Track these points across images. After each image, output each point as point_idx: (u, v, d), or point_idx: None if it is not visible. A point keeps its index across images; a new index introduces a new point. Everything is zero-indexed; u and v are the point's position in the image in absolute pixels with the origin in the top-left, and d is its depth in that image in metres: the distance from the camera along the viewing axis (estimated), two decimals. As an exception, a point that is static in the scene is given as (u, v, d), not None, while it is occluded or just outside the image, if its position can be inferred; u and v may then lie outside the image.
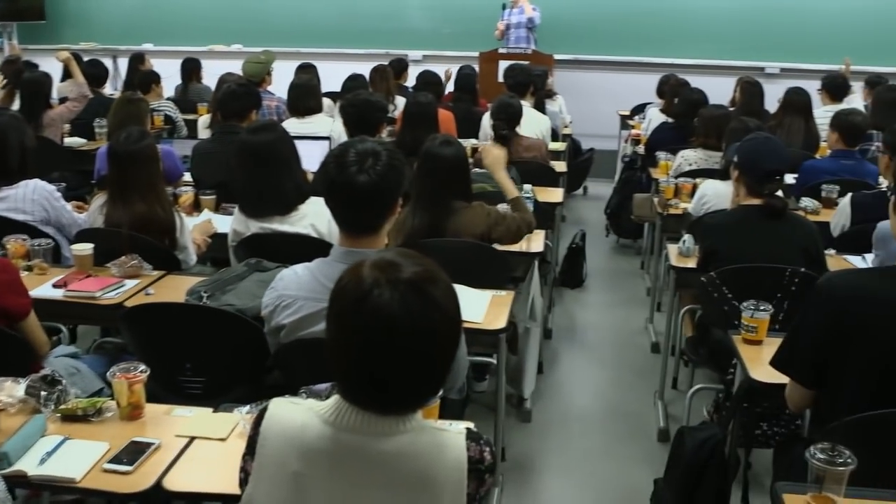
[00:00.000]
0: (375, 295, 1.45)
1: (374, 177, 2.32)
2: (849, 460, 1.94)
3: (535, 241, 4.03)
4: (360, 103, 4.70)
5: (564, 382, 4.56)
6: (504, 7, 9.18)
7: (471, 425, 2.09)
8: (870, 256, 3.74)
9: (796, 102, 6.25)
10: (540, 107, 6.72)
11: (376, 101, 4.81)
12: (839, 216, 4.19)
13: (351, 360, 1.49)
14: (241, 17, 10.32)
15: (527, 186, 4.21)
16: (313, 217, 3.49)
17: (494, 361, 3.38)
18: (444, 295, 1.52)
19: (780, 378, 2.42)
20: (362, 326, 1.46)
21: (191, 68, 8.27)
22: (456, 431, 1.60)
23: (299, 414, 1.57)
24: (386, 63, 7.57)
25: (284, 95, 5.91)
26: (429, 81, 6.91)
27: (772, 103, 6.72)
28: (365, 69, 7.12)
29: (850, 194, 4.20)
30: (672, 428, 3.87)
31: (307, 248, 3.06)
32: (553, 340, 5.02)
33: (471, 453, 1.56)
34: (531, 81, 6.60)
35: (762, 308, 2.89)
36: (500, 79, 7.26)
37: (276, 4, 10.23)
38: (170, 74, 8.12)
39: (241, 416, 2.30)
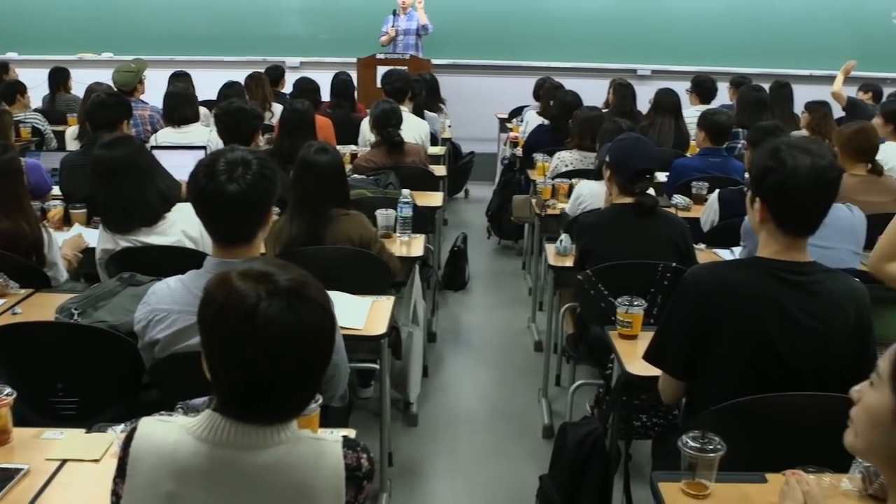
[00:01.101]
0: (264, 308, 1.44)
1: (245, 186, 2.28)
2: (718, 447, 2.00)
3: (415, 246, 4.04)
4: (234, 111, 4.62)
5: (450, 385, 4.58)
6: (395, 13, 9.16)
7: (351, 433, 2.09)
8: (738, 250, 3.89)
9: (666, 103, 6.45)
10: (419, 112, 6.75)
11: (251, 109, 4.74)
12: (708, 212, 4.35)
13: (238, 374, 1.47)
14: (112, 24, 9.98)
15: (405, 191, 4.21)
16: (183, 223, 3.41)
17: (378, 367, 3.37)
18: (322, 297, 1.53)
19: (656, 371, 2.48)
20: (257, 340, 1.44)
21: (59, 78, 7.98)
22: (332, 440, 1.59)
23: (170, 432, 1.53)
24: (262, 70, 7.47)
25: (158, 104, 5.77)
26: (306, 88, 6.85)
27: (644, 104, 6.93)
28: (241, 76, 7.01)
29: (717, 191, 4.36)
30: (556, 424, 3.93)
31: (180, 258, 3.00)
32: (437, 343, 5.04)
33: (348, 461, 1.55)
34: (409, 87, 6.62)
35: (636, 303, 2.97)
36: (379, 84, 7.26)
37: (147, 11, 9.94)
38: (37, 84, 7.84)
39: (115, 436, 2.22)
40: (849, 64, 8.03)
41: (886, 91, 7.98)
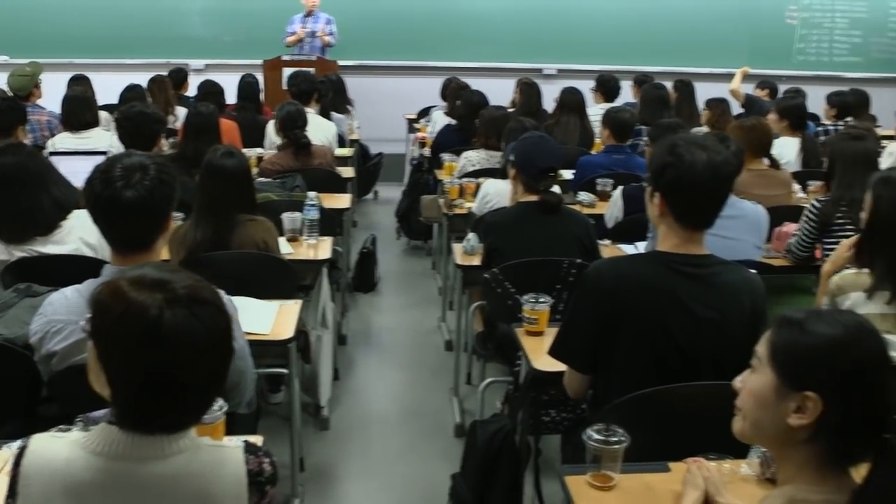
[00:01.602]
0: (168, 318, 1.41)
1: (143, 192, 2.24)
2: (622, 438, 2.03)
3: (323, 249, 4.02)
4: (135, 116, 4.52)
5: (361, 387, 4.56)
6: (308, 14, 9.02)
7: (259, 439, 2.06)
8: (642, 244, 3.96)
9: (571, 101, 6.55)
10: (325, 113, 6.71)
11: (153, 113, 4.65)
12: (612, 208, 4.42)
13: (141, 386, 1.44)
14: (6, 26, 9.62)
15: (311, 193, 4.18)
16: (81, 231, 3.30)
17: (287, 372, 3.34)
18: (217, 299, 1.52)
19: (563, 366, 2.51)
20: (165, 351, 1.41)
21: (-51, 83, 7.69)
22: (233, 446, 1.57)
23: (63, 448, 1.48)
24: (165, 73, 7.33)
25: (57, 109, 5.61)
26: (210, 91, 6.74)
27: (550, 103, 7.01)
28: (143, 80, 6.87)
29: (621, 187, 4.44)
30: (468, 423, 3.94)
31: (78, 267, 2.92)
32: (348, 346, 5.01)
33: (250, 466, 1.53)
34: (315, 88, 6.57)
35: (542, 300, 3.00)
36: (285, 86, 7.18)
37: (44, 13, 9.58)
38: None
39: (11, 453, 2.15)
40: (744, 69, 8.27)
41: (782, 88, 8.22)
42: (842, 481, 1.46)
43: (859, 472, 1.46)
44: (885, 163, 5.84)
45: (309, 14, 8.93)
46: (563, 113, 6.54)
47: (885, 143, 6.54)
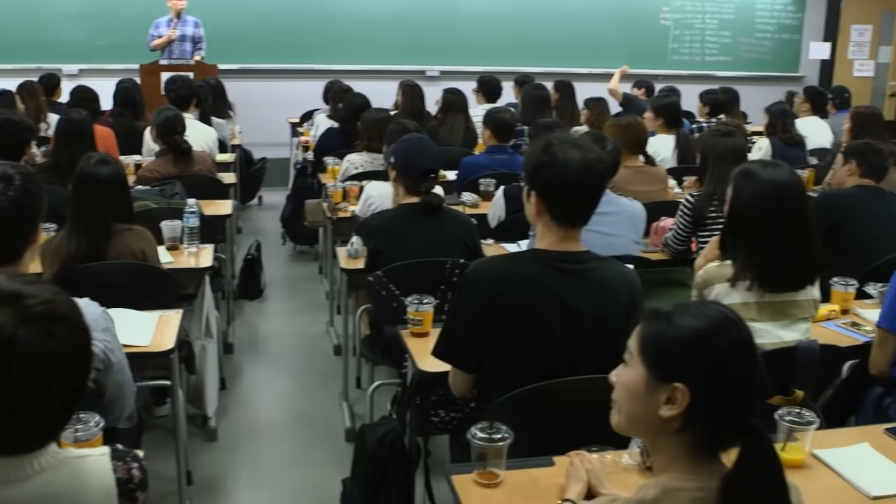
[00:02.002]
0: (22, 337, 1.33)
1: (7, 203, 2.15)
2: (506, 435, 2.06)
3: (204, 256, 3.95)
4: (2, 124, 4.35)
5: (250, 395, 4.49)
6: (175, 17, 8.76)
7: (140, 454, 2.00)
8: (524, 243, 4.01)
9: (456, 103, 6.61)
10: (205, 118, 6.59)
11: (21, 121, 4.48)
12: (495, 208, 4.47)
13: None
14: None
15: (190, 200, 4.09)
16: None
17: (171, 383, 3.26)
18: (74, 312, 1.44)
19: (449, 366, 2.53)
20: (18, 372, 1.33)
21: None
22: (98, 454, 1.52)
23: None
24: (35, 79, 7.06)
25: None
26: (83, 97, 6.52)
27: (433, 105, 7.05)
28: (12, 85, 6.61)
29: (503, 187, 4.49)
30: (359, 427, 3.93)
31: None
32: (235, 354, 4.93)
33: (118, 474, 1.49)
34: (195, 93, 6.45)
35: (425, 301, 3.02)
36: (163, 91, 7.01)
37: None
38: None
39: None
40: (624, 68, 8.48)
41: (658, 87, 8.46)
42: (713, 468, 1.51)
43: (731, 458, 1.52)
44: (754, 157, 6.08)
45: (177, 16, 8.66)
46: (448, 114, 6.59)
47: (754, 138, 6.81)
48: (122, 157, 5.57)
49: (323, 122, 7.04)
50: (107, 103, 6.84)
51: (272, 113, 9.14)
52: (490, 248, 4.05)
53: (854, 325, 3.32)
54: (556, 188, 2.35)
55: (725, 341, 1.49)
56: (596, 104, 6.76)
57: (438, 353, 2.48)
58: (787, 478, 1.50)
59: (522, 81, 7.90)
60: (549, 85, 7.34)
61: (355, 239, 3.93)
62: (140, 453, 1.62)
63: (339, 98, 6.89)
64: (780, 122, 6.46)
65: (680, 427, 1.51)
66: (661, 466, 1.57)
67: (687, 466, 1.52)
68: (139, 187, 4.64)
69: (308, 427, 4.18)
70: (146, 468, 1.56)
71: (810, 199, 4.66)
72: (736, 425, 1.47)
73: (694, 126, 7.05)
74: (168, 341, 3.01)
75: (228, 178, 5.73)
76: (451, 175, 5.50)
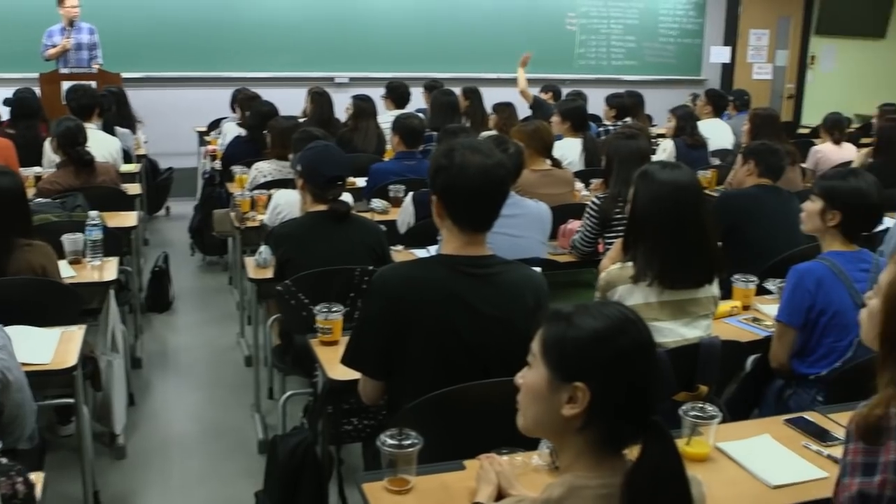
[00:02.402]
0: None
1: None
2: (415, 441, 2.06)
3: (108, 270, 3.86)
4: None
5: (159, 410, 4.40)
6: (69, 25, 8.49)
7: (40, 475, 1.95)
8: (434, 248, 4.02)
9: (366, 109, 6.60)
10: (108, 128, 6.44)
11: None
12: (404, 213, 4.47)
13: None
14: None
15: (93, 213, 3.99)
16: None
17: (74, 401, 3.17)
18: None
19: (358, 374, 2.52)
20: None
21: None
22: (-21, 470, 1.48)
23: None
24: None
25: None
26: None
27: (343, 112, 7.03)
28: None
29: (411, 193, 4.50)
30: (271, 438, 3.89)
31: None
32: (144, 369, 4.83)
33: (2, 490, 1.45)
34: (97, 102, 6.29)
35: (335, 309, 3.00)
36: (64, 101, 6.82)
37: None
38: None
39: None
40: (525, 56, 8.55)
41: (565, 91, 8.58)
42: (616, 464, 1.53)
43: (635, 454, 1.54)
44: (658, 158, 6.21)
45: (70, 24, 8.40)
46: (360, 120, 6.58)
47: (659, 140, 6.96)
48: (21, 169, 5.42)
49: (231, 131, 6.94)
50: (4, 113, 6.63)
51: (178, 122, 8.99)
52: (400, 254, 4.06)
53: (755, 320, 3.41)
54: (453, 193, 2.36)
55: (624, 341, 1.52)
56: (504, 109, 6.83)
57: (347, 360, 2.47)
58: (689, 471, 1.53)
59: (431, 87, 7.94)
60: (457, 90, 7.39)
61: (263, 248, 3.89)
62: (26, 468, 1.57)
63: (247, 106, 6.81)
64: (686, 124, 6.62)
65: (582, 426, 1.53)
66: (566, 465, 1.59)
67: (591, 464, 1.54)
68: (39, 200, 4.52)
69: (220, 440, 4.11)
70: (32, 483, 1.52)
71: (710, 199, 4.80)
72: (637, 422, 1.50)
73: (601, 129, 7.18)
74: (71, 358, 2.93)
75: (133, 188, 5.61)
76: (360, 182, 5.49)
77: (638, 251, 2.81)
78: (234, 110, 7.67)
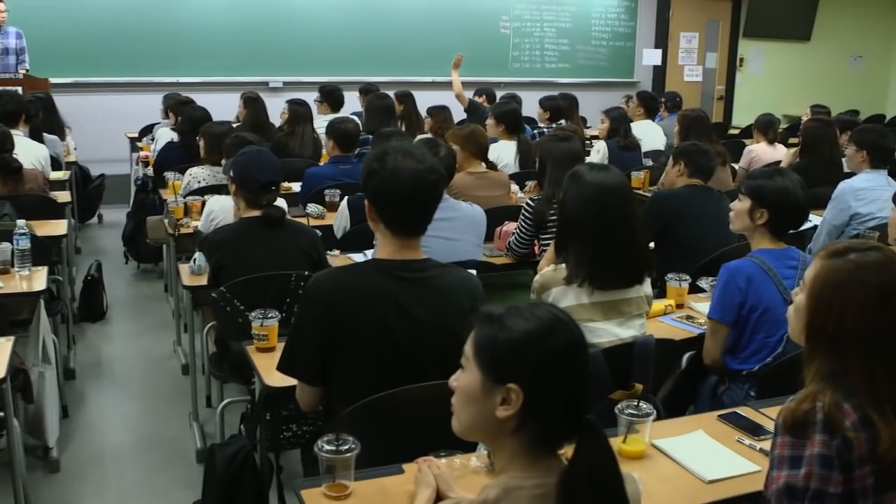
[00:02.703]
0: None
1: None
2: (353, 446, 2.06)
3: (37, 280, 3.78)
4: None
5: (94, 422, 4.32)
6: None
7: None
8: (370, 252, 4.00)
9: (302, 113, 6.58)
10: (36, 135, 6.31)
11: None
12: (340, 218, 4.46)
13: None
14: None
15: (20, 222, 3.90)
16: None
17: (3, 414, 3.10)
18: None
19: (295, 380, 2.50)
20: None
21: None
22: None
23: None
24: None
25: None
26: None
27: (277, 116, 6.99)
28: None
29: (347, 197, 4.49)
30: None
31: None
32: (77, 380, 4.73)
33: None
34: (23, 109, 6.15)
35: (270, 315, 2.97)
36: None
37: None
38: None
39: None
40: (457, 57, 8.59)
41: (499, 94, 8.63)
42: (551, 464, 1.54)
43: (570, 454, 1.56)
44: (592, 160, 6.29)
45: None
46: (297, 124, 6.54)
47: (593, 142, 7.05)
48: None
49: (164, 136, 6.84)
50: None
51: (110, 128, 8.85)
52: (336, 258, 4.04)
53: (689, 318, 3.48)
54: (385, 197, 2.37)
55: (555, 341, 1.52)
56: (439, 112, 6.85)
57: (283, 367, 2.45)
58: (625, 469, 1.55)
59: (367, 90, 7.94)
60: (393, 94, 7.40)
61: (198, 255, 3.85)
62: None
63: (179, 111, 6.73)
64: (620, 126, 6.71)
65: (516, 427, 1.54)
66: (501, 466, 1.60)
67: (525, 465, 1.55)
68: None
69: (157, 451, 4.05)
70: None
71: (643, 200, 4.88)
72: (570, 422, 1.51)
73: (535, 132, 7.24)
74: (-1, 370, 2.86)
75: (63, 196, 5.51)
76: (295, 187, 5.46)
77: (569, 253, 2.84)
78: (166, 115, 7.57)
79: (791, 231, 3.24)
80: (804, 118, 8.09)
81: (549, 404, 1.52)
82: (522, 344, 1.53)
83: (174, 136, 6.56)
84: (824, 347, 1.79)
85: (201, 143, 5.36)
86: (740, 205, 3.19)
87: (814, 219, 4.88)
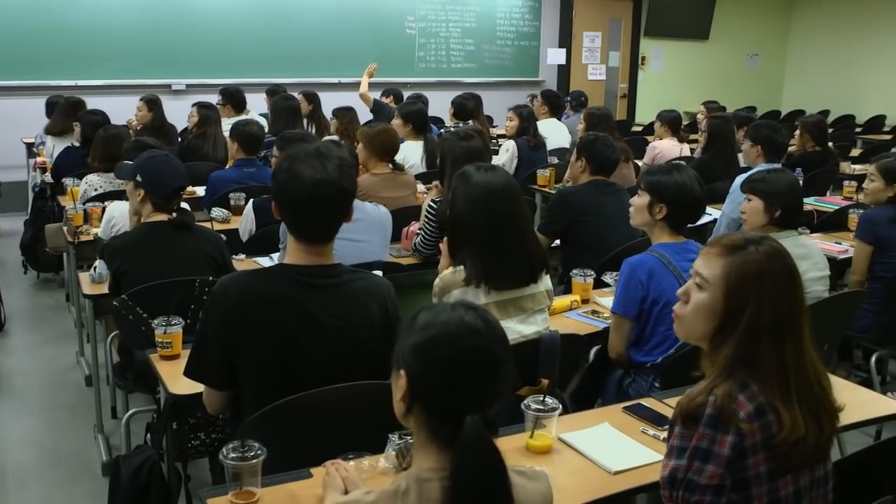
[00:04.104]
0: None
1: None
2: (259, 452, 2.03)
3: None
4: None
5: (-7, 439, 4.19)
6: None
7: None
8: (277, 255, 3.99)
9: (210, 116, 6.49)
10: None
11: None
12: (245, 222, 4.40)
13: None
14: None
15: None
16: None
17: None
18: None
19: (202, 387, 2.46)
20: None
21: None
22: None
23: None
24: None
25: None
26: None
27: (182, 119, 6.87)
28: None
29: (252, 200, 4.43)
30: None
31: None
32: (-26, 396, 4.58)
33: None
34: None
35: (174, 322, 2.92)
36: None
37: None
38: None
39: None
40: (371, 67, 8.61)
41: (406, 94, 8.64)
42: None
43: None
44: (501, 159, 6.35)
45: None
46: (206, 127, 6.44)
47: (501, 141, 7.10)
48: None
49: (59, 142, 6.65)
50: None
51: (5, 133, 8.58)
52: (242, 263, 4.00)
53: (594, 312, 3.53)
54: (287, 204, 2.35)
55: (438, 341, 1.60)
56: (345, 113, 6.82)
57: (189, 372, 2.41)
58: (535, 467, 1.68)
59: (273, 92, 7.86)
60: (296, 95, 7.34)
61: (98, 262, 3.75)
62: None
63: (66, 112, 6.55)
64: (529, 125, 6.76)
65: (406, 410, 1.63)
66: (414, 458, 1.67)
67: (433, 457, 1.60)
68: None
69: (61, 466, 3.93)
70: None
71: (547, 197, 4.93)
72: (455, 420, 1.55)
73: (443, 131, 7.25)
74: None
75: (-44, 205, 5.32)
76: (199, 191, 5.37)
77: (464, 254, 2.86)
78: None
79: (689, 225, 3.32)
80: (699, 115, 8.31)
81: (429, 395, 1.60)
82: (410, 334, 1.63)
83: (71, 141, 6.37)
84: (737, 340, 1.83)
85: (93, 148, 5.21)
86: (639, 200, 3.25)
87: (714, 212, 5.01)
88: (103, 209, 4.49)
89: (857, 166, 7.20)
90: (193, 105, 6.68)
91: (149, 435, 3.34)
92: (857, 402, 2.77)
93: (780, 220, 3.60)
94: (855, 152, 8.90)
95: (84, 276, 3.83)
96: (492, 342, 1.61)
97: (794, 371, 1.82)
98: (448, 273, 2.90)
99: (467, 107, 7.56)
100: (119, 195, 4.51)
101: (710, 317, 1.89)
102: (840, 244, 4.71)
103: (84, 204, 4.87)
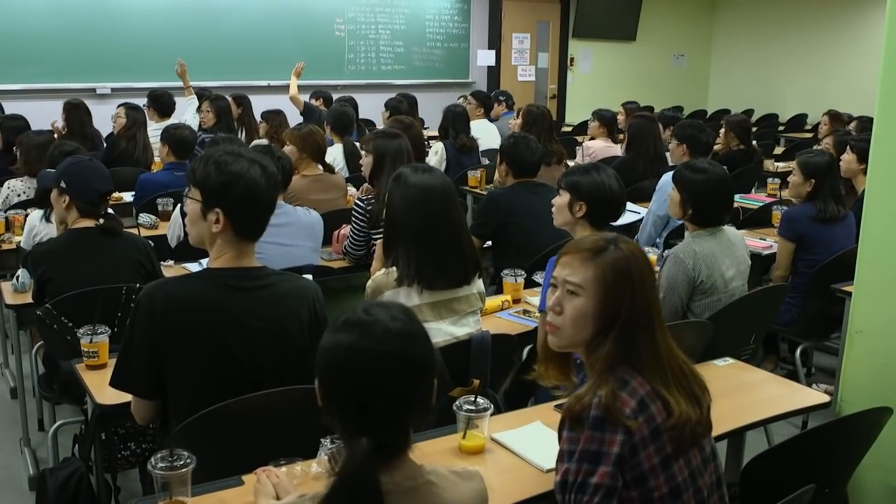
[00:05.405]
0: None
1: None
2: (188, 461, 2.01)
3: None
4: None
5: (-89, 457, 4.05)
6: None
7: None
8: (205, 261, 3.92)
9: (138, 119, 6.41)
10: None
11: None
12: (173, 227, 4.34)
13: None
14: None
15: None
16: None
17: None
18: None
19: (129, 397, 2.42)
20: None
21: None
22: None
23: None
24: None
25: None
26: None
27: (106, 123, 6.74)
28: None
29: (180, 205, 4.35)
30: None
31: None
32: None
33: None
34: None
35: (100, 331, 2.86)
36: None
37: None
38: None
39: None
40: (298, 66, 8.55)
41: (336, 96, 8.60)
42: (392, 464, 1.61)
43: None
44: (431, 160, 6.35)
45: None
46: (134, 130, 6.35)
47: (432, 142, 7.11)
48: None
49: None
50: None
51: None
52: (171, 268, 3.94)
53: (525, 312, 3.56)
54: (245, 205, 2.31)
55: (349, 348, 1.58)
56: (274, 116, 6.79)
57: (115, 382, 2.37)
58: (467, 468, 1.72)
59: (206, 96, 7.76)
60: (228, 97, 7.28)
61: (21, 271, 3.66)
62: None
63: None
64: (460, 126, 6.76)
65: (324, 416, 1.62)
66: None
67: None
68: None
69: (-16, 481, 3.84)
70: None
71: (478, 198, 4.94)
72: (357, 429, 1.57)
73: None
74: None
75: None
76: (126, 196, 5.29)
77: (397, 254, 2.86)
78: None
79: (615, 224, 3.37)
80: (620, 116, 8.42)
81: (334, 404, 1.60)
82: (324, 343, 1.61)
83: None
84: (616, 337, 1.88)
85: (19, 154, 5.09)
86: (560, 200, 3.30)
87: (641, 210, 5.09)
88: (26, 217, 4.38)
89: (781, 164, 7.38)
90: (119, 106, 6.56)
91: (76, 447, 3.27)
92: (783, 393, 2.86)
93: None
94: (778, 150, 9.10)
95: (6, 286, 3.74)
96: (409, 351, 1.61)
97: (667, 355, 1.89)
98: (381, 275, 2.90)
99: (401, 108, 7.56)
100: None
101: (590, 320, 1.91)
102: (765, 240, 4.81)
103: (6, 210, 4.76)
